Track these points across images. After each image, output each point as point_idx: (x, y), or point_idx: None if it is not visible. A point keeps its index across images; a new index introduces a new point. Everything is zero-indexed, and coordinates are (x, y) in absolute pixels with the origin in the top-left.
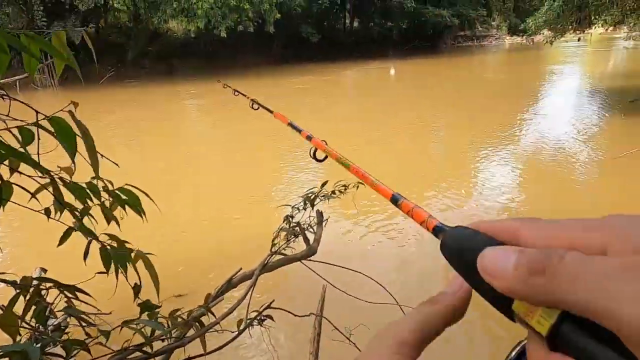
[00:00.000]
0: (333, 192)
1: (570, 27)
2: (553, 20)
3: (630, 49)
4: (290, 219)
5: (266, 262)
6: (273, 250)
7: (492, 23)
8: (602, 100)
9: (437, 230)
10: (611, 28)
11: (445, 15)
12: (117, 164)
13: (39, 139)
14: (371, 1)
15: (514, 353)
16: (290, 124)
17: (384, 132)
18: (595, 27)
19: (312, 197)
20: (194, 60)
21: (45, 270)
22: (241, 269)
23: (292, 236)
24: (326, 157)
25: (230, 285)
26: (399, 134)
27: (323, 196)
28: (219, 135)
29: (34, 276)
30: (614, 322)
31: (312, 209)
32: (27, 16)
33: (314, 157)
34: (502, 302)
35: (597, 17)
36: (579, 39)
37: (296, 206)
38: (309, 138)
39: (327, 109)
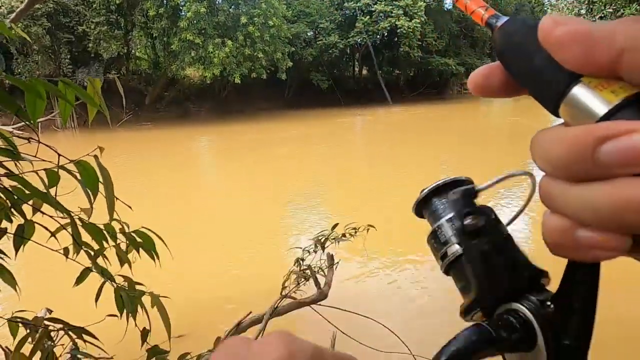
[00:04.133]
0: (344, 235)
1: None
2: None
3: None
4: (301, 261)
5: (276, 305)
6: (283, 293)
7: None
8: None
9: (492, 23)
10: None
11: (451, 64)
12: (130, 207)
13: (58, 180)
14: (379, 51)
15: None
16: None
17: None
18: None
19: (322, 240)
20: (207, 105)
21: (50, 311)
22: (251, 312)
23: (303, 279)
24: None
25: (239, 329)
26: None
27: (334, 239)
28: (230, 176)
29: (40, 316)
30: None
31: (323, 251)
32: (55, 64)
33: None
34: (558, 78)
35: None
36: None
37: (307, 249)
38: None
39: (347, 149)
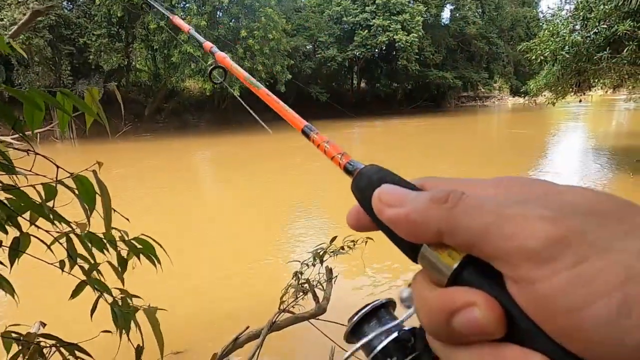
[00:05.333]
0: (342, 247)
1: (570, 89)
2: (553, 83)
3: (631, 110)
4: (300, 275)
5: (274, 320)
6: (281, 307)
7: (494, 85)
8: (608, 159)
9: (349, 169)
10: (611, 90)
11: (448, 77)
12: (127, 219)
13: (55, 194)
14: (377, 64)
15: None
16: (190, 32)
17: None
18: (595, 90)
19: (321, 253)
20: (206, 116)
21: (44, 325)
22: (248, 327)
23: (301, 293)
24: (225, 77)
25: (236, 344)
26: None
27: (332, 252)
28: (229, 188)
29: (33, 330)
30: (503, 245)
31: (322, 265)
32: (55, 75)
33: (210, 77)
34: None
35: (596, 80)
36: (580, 101)
37: (305, 262)
38: (212, 53)
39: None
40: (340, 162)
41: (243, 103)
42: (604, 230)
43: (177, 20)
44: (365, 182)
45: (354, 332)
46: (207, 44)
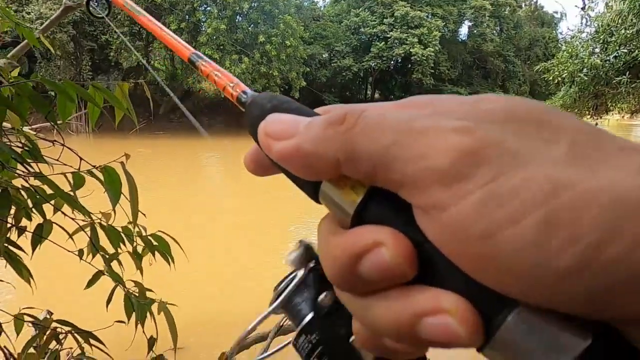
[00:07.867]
0: None
1: (587, 112)
2: (570, 105)
3: None
4: None
5: (282, 323)
6: None
7: None
8: None
9: (243, 100)
10: (628, 115)
11: (463, 93)
12: (144, 214)
13: (83, 183)
14: (392, 76)
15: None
16: None
17: None
18: (612, 114)
19: None
20: (220, 118)
21: (51, 314)
22: (255, 329)
23: None
24: (109, 10)
25: (242, 345)
26: None
27: None
28: (242, 190)
29: (41, 318)
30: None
31: None
32: (75, 69)
33: (88, 8)
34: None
35: (613, 104)
36: (596, 124)
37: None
38: None
39: None
40: (232, 93)
41: (166, 87)
42: (524, 138)
43: None
44: (258, 113)
45: (280, 302)
46: None
